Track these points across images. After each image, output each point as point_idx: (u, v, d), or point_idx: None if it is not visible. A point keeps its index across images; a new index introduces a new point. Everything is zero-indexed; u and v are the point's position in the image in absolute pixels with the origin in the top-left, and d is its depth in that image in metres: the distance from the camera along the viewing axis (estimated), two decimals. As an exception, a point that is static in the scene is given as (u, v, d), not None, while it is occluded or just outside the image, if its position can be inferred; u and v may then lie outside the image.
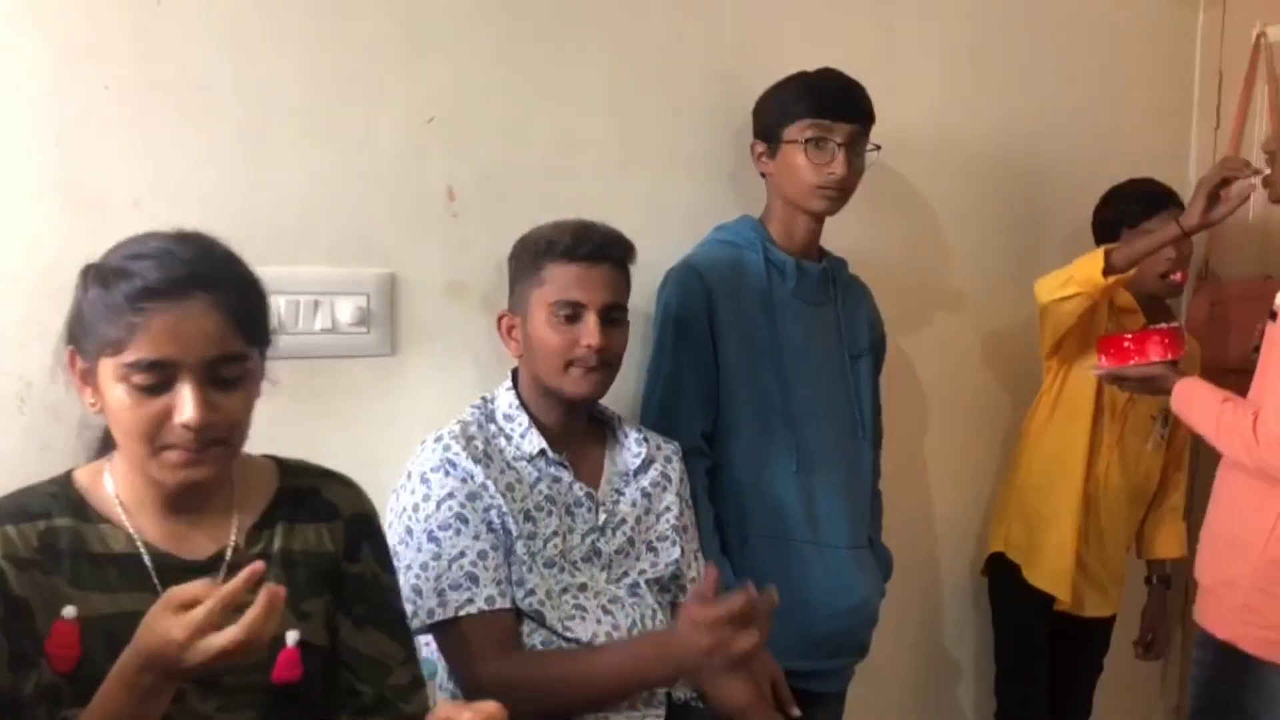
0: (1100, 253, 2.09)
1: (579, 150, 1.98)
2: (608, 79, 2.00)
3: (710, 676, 1.54)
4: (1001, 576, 2.37)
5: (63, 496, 1.23)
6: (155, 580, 1.21)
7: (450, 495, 1.59)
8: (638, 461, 1.76)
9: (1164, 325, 2.11)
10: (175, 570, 1.21)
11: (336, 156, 1.79)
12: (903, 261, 2.35)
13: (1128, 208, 2.28)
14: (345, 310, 1.78)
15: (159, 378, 1.16)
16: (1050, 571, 2.29)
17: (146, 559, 1.22)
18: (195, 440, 1.17)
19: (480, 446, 1.65)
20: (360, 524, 1.35)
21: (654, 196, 2.04)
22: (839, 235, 2.08)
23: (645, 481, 1.75)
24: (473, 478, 1.61)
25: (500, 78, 1.90)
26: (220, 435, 1.20)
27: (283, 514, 1.31)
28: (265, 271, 1.70)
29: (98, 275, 1.19)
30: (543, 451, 1.68)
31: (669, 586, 1.76)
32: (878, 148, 1.99)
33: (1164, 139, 2.66)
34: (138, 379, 1.15)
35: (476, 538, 1.58)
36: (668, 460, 1.80)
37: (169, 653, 1.06)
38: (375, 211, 1.83)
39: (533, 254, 1.68)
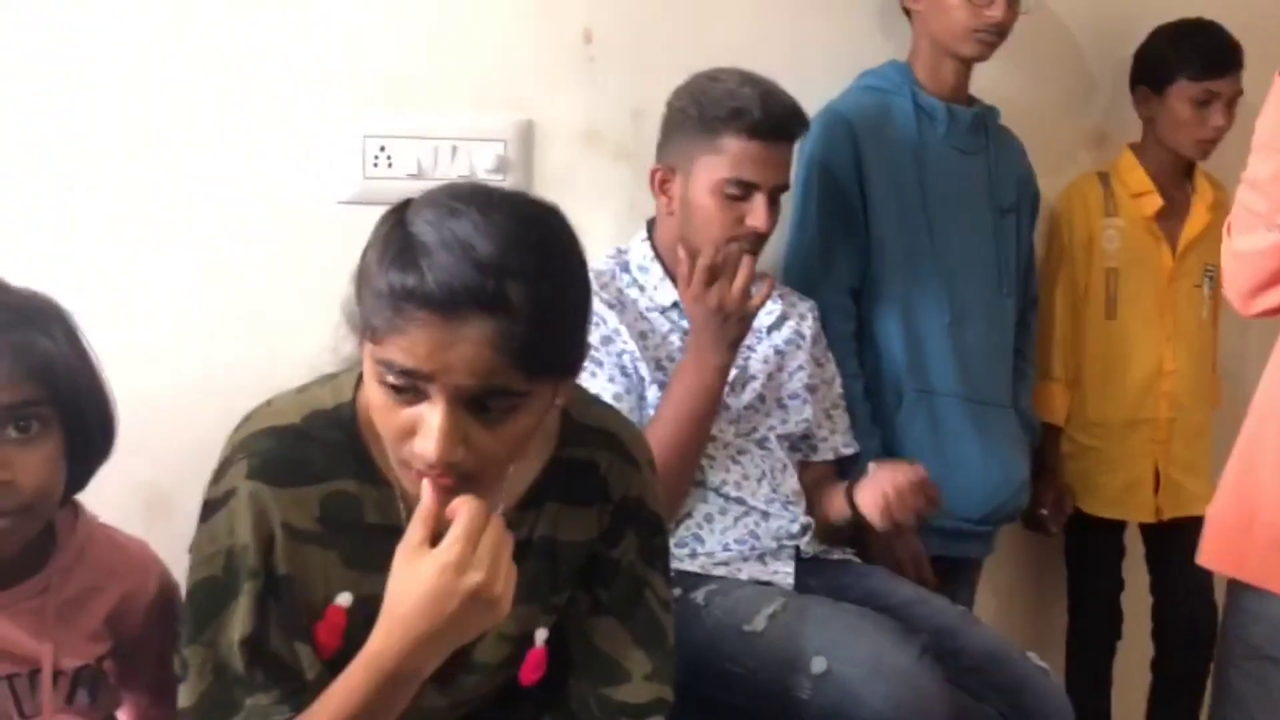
0: None
1: (720, -10, 1.90)
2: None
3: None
4: None
5: (348, 448, 1.05)
6: None
7: None
8: (771, 319, 1.74)
9: None
10: None
11: (472, -3, 1.76)
12: (1057, 111, 2.21)
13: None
14: (485, 157, 1.77)
15: (410, 386, 0.94)
16: (1117, 497, 2.14)
17: None
18: (437, 472, 0.96)
19: (614, 293, 1.65)
20: (629, 509, 1.15)
21: (796, 40, 1.95)
22: (986, 81, 1.97)
23: (779, 339, 1.73)
24: (605, 322, 1.61)
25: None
26: (469, 471, 0.97)
27: (553, 494, 1.11)
28: (402, 118, 1.71)
29: (389, 236, 0.95)
30: (676, 304, 1.67)
31: (799, 445, 1.76)
32: (1039, -11, 1.86)
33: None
34: (390, 379, 0.95)
35: (611, 380, 1.60)
36: (802, 318, 1.77)
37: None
38: (512, 55, 1.79)
39: (710, 117, 1.59)
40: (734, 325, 1.57)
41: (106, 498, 1.24)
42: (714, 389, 1.58)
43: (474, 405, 0.94)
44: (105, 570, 1.19)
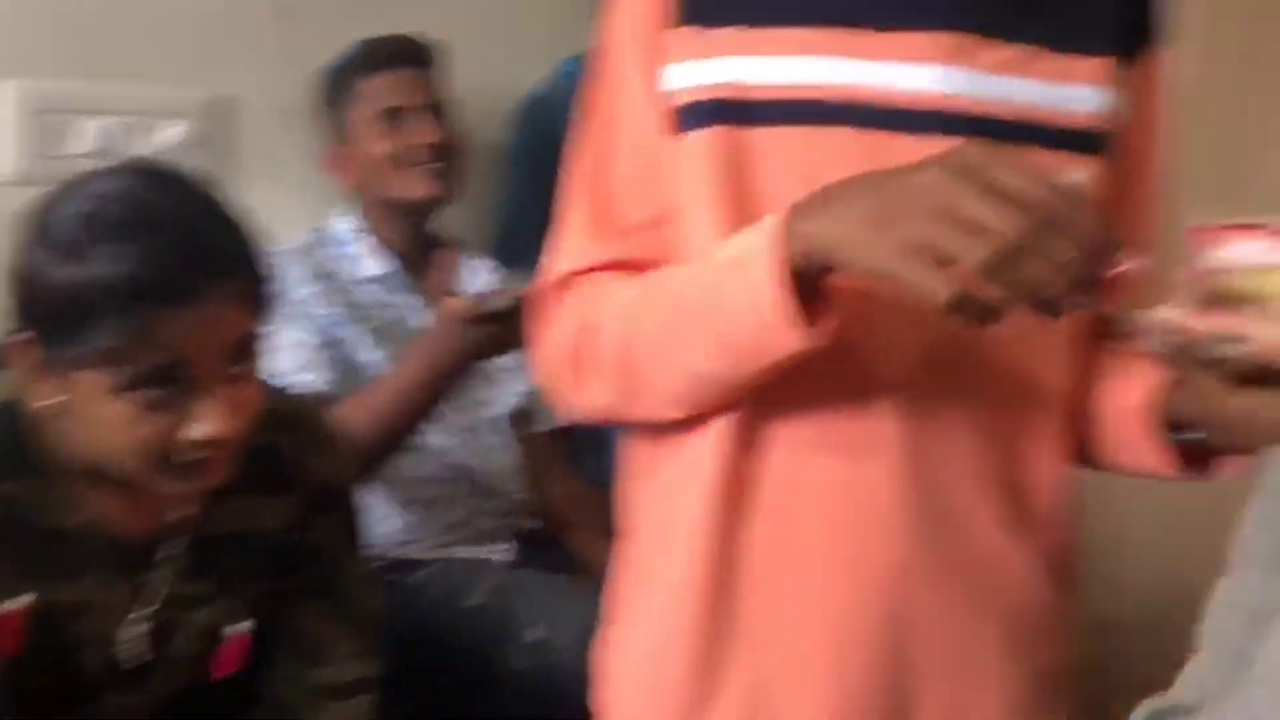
0: None
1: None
2: None
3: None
4: None
5: (13, 449, 1.01)
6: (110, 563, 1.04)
7: None
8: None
9: None
10: (114, 551, 1.04)
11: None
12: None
13: None
14: (172, 134, 1.68)
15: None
16: None
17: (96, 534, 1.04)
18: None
19: (314, 266, 1.62)
20: (319, 491, 1.13)
21: (503, 16, 1.94)
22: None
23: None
24: (301, 289, 1.58)
25: None
26: None
27: (239, 484, 1.04)
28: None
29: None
30: (384, 274, 1.66)
31: (518, 420, 1.75)
32: None
33: None
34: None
35: (303, 331, 1.56)
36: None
37: None
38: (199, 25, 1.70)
39: (337, 80, 1.67)
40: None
41: None
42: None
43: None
44: None
